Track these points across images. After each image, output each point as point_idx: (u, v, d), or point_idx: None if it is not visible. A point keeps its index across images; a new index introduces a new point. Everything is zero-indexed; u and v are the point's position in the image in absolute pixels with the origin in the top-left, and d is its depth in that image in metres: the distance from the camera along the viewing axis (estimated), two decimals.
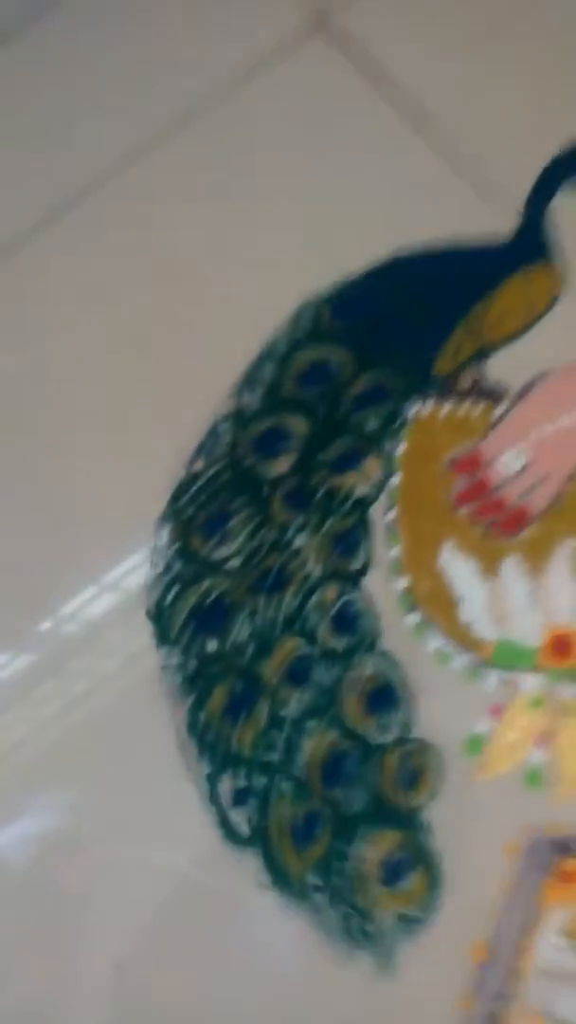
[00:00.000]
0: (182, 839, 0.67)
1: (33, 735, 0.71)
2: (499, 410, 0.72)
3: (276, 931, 0.66)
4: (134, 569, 0.72)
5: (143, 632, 0.70)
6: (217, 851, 0.66)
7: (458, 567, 0.70)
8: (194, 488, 0.73)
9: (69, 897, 0.68)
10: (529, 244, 0.74)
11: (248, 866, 0.66)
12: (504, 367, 0.73)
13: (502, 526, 0.71)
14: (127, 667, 0.71)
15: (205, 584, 0.71)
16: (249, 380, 0.74)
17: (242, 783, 0.68)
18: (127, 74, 0.80)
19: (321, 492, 0.72)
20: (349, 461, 0.73)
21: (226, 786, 0.68)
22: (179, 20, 0.83)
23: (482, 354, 0.73)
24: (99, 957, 0.67)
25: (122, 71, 0.81)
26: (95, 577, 0.73)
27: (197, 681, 0.70)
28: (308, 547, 0.72)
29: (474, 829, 0.66)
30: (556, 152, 0.75)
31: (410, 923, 0.65)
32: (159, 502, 0.72)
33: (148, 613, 0.71)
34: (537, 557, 0.70)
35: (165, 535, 0.72)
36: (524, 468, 0.71)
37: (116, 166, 0.79)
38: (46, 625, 0.72)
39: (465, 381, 0.74)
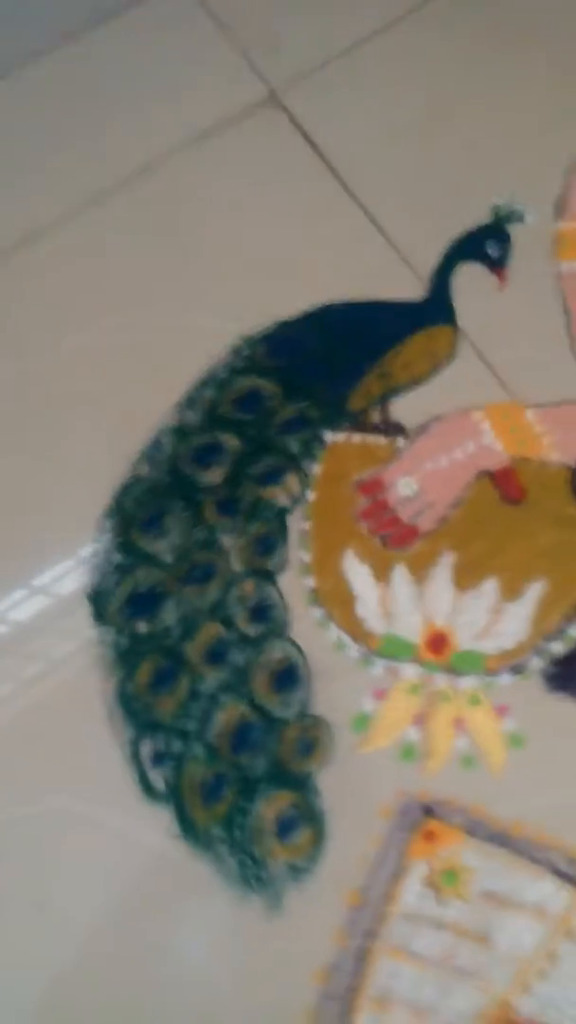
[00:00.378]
0: (107, 794, 0.77)
1: None
2: (400, 443, 0.85)
3: (183, 876, 0.75)
4: (76, 565, 0.81)
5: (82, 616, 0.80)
6: (137, 804, 0.76)
7: (356, 571, 0.82)
8: (137, 489, 0.83)
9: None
10: (434, 307, 0.87)
11: (162, 818, 0.76)
12: (407, 409, 0.86)
13: (395, 540, 0.83)
14: (69, 652, 0.80)
15: (141, 573, 0.81)
16: (191, 400, 0.85)
17: (161, 746, 0.77)
18: (99, 126, 0.92)
19: (248, 501, 0.83)
20: (273, 476, 0.83)
21: (147, 749, 0.77)
22: (146, 86, 0.94)
23: (389, 395, 0.86)
24: (22, 898, 0.75)
25: (95, 122, 0.92)
26: (40, 569, 0.82)
27: (128, 657, 0.79)
28: (233, 547, 0.82)
29: (356, 793, 0.76)
30: (459, 234, 0.90)
31: (298, 872, 0.75)
32: (105, 499, 0.83)
33: (88, 595, 0.80)
34: (422, 567, 0.81)
35: (108, 528, 0.82)
36: (416, 494, 0.84)
37: (81, 206, 0.89)
38: None
39: (373, 417, 0.86)
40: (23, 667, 0.78)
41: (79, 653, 0.78)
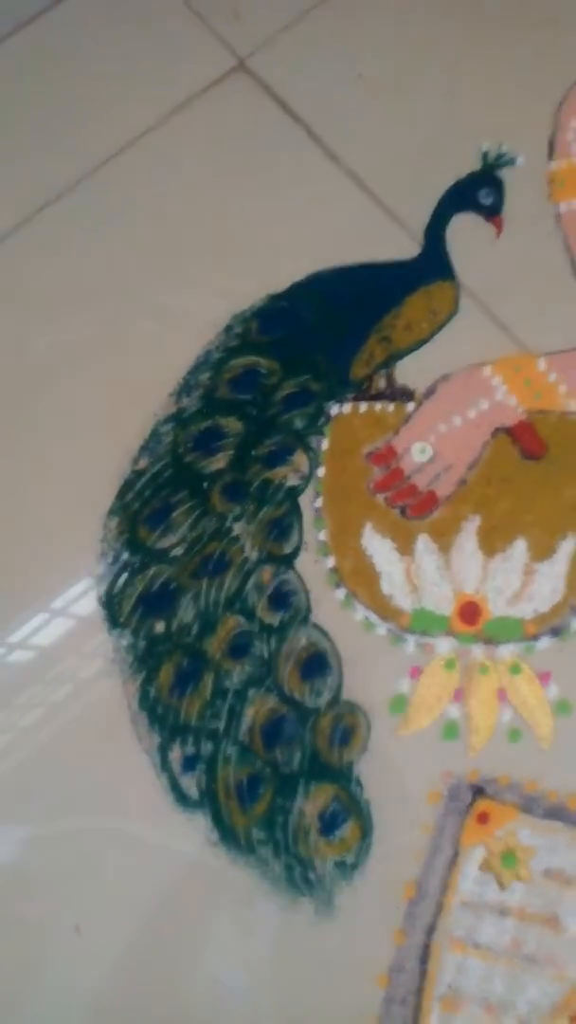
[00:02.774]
0: (137, 807, 0.70)
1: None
2: (409, 408, 0.78)
3: (227, 884, 0.68)
4: (88, 575, 0.74)
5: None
6: (171, 814, 0.69)
7: (377, 546, 0.74)
8: (139, 484, 0.76)
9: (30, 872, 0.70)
10: (430, 263, 0.79)
11: (198, 826, 0.69)
12: (412, 372, 0.78)
13: (414, 509, 0.75)
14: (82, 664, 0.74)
15: (152, 571, 0.74)
16: (186, 386, 0.77)
17: (191, 750, 0.70)
18: (74, 106, 0.84)
19: (256, 484, 0.75)
20: (279, 456, 0.76)
21: (176, 754, 0.70)
22: (116, 62, 0.87)
23: (392, 360, 0.78)
24: (60, 922, 0.69)
25: (69, 103, 0.84)
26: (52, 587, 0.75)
27: (147, 659, 0.72)
28: (245, 534, 0.75)
29: (400, 779, 0.69)
30: (449, 185, 0.82)
31: (347, 869, 0.68)
32: (107, 498, 0.76)
33: (99, 600, 0.73)
34: (446, 535, 0.74)
35: (113, 528, 0.75)
36: (432, 459, 0.77)
37: (47, 199, 0.82)
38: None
39: (379, 384, 0.79)
40: (50, 692, 0.71)
41: (106, 672, 0.71)
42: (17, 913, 0.67)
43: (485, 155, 0.82)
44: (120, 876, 0.67)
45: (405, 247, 0.80)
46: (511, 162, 0.81)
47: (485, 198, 0.81)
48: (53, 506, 0.74)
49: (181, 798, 0.68)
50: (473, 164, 0.81)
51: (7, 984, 0.67)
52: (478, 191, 0.81)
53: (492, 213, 0.81)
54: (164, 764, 0.69)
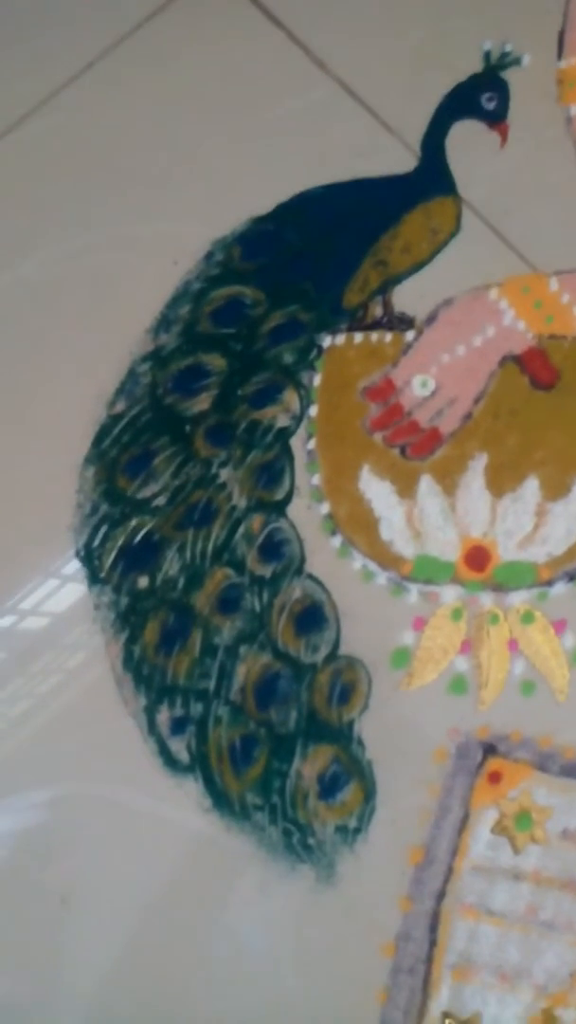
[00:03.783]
0: (123, 773, 0.65)
1: None
2: (408, 337, 0.71)
3: (221, 853, 0.64)
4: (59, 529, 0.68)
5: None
6: (161, 780, 0.64)
7: (376, 489, 0.67)
8: (116, 429, 0.69)
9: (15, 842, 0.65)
10: (429, 177, 0.71)
11: (190, 792, 0.64)
12: (411, 297, 0.70)
13: (416, 448, 0.68)
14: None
15: (133, 523, 0.67)
16: (164, 321, 0.70)
17: (179, 712, 0.64)
18: (32, 21, 0.75)
19: (242, 426, 0.68)
20: (268, 395, 0.69)
21: (164, 716, 0.65)
22: None
23: (389, 285, 0.70)
24: (46, 894, 0.64)
25: (28, 20, 0.76)
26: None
27: (130, 617, 0.66)
28: (232, 480, 0.68)
29: (404, 738, 0.63)
30: (448, 90, 0.73)
31: (349, 834, 0.62)
32: (82, 446, 0.70)
33: (77, 554, 0.67)
34: (450, 475, 0.67)
35: (90, 477, 0.69)
36: (434, 392, 0.70)
37: (20, 117, 0.74)
38: None
39: (375, 311, 0.71)
40: (29, 658, 0.66)
41: (87, 632, 0.66)
42: (1, 884, 0.64)
43: (487, 55, 0.72)
44: (108, 847, 0.62)
45: (401, 160, 0.71)
46: (516, 62, 0.72)
47: (488, 103, 0.72)
48: (23, 456, 0.67)
49: (171, 762, 0.63)
50: (474, 66, 0.72)
51: None
52: (480, 95, 0.72)
53: (496, 119, 0.72)
54: (151, 728, 0.64)
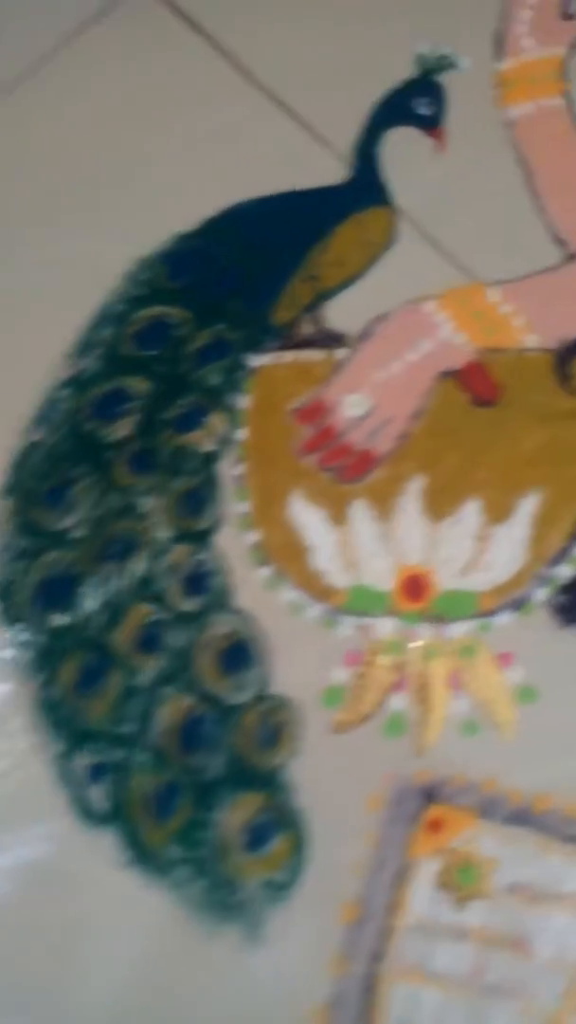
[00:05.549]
0: (37, 823, 0.60)
1: None
2: (340, 355, 0.66)
3: (138, 910, 0.59)
4: None
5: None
6: (74, 832, 0.59)
7: (307, 517, 0.62)
8: (34, 459, 0.65)
9: None
10: (361, 188, 0.67)
11: (107, 845, 0.59)
12: (344, 313, 0.65)
13: (348, 470, 0.63)
14: None
15: (50, 556, 0.63)
16: (85, 344, 0.65)
17: (97, 758, 0.60)
18: None
19: (166, 453, 0.64)
20: (193, 418, 0.64)
21: (81, 763, 0.61)
22: None
23: (320, 300, 0.66)
24: None
25: None
26: None
27: (48, 657, 0.61)
28: (155, 510, 0.63)
29: (337, 784, 0.57)
30: (381, 97, 0.69)
31: (278, 888, 0.57)
32: None
33: None
34: (386, 499, 0.62)
35: (5, 509, 0.65)
36: (368, 412, 0.65)
37: None
38: None
39: (305, 329, 0.67)
40: None
41: (2, 674, 0.61)
42: None
43: (422, 58, 0.69)
44: (21, 907, 0.58)
45: (332, 171, 0.67)
46: (452, 64, 0.69)
47: (423, 107, 0.68)
48: None
49: (87, 813, 0.59)
50: (408, 70, 0.69)
51: None
52: (414, 100, 0.68)
53: (431, 125, 0.68)
54: (66, 775, 0.59)
